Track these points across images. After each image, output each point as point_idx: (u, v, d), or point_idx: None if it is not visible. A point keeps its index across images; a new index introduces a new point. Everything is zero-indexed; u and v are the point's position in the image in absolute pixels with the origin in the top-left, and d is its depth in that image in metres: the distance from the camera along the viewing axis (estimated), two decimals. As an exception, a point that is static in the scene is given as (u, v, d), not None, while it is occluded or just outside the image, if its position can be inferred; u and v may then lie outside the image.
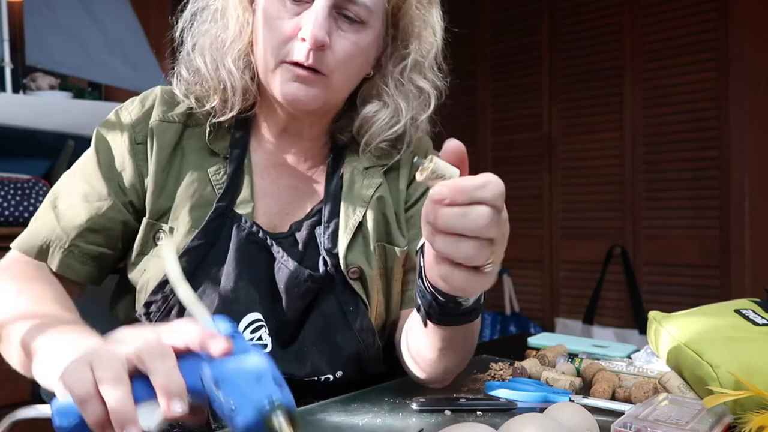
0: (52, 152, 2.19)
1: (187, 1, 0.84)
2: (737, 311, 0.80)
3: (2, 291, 0.75)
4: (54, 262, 0.79)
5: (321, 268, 0.80)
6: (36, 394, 1.11)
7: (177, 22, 0.84)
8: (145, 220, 0.81)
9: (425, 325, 0.68)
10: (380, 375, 0.88)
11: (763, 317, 0.77)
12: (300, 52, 0.75)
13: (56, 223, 0.79)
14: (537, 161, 3.17)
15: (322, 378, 0.80)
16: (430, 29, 0.85)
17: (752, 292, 2.44)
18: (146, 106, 0.83)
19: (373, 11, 0.77)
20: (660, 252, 2.78)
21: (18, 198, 1.89)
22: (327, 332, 0.80)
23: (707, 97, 2.64)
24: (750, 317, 0.78)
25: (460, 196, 0.50)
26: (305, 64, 0.75)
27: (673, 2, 2.72)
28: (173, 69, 0.84)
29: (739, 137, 2.56)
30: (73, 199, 0.80)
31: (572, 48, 3.05)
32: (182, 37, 0.84)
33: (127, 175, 0.80)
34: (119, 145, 0.81)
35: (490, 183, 0.50)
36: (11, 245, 0.81)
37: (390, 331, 0.88)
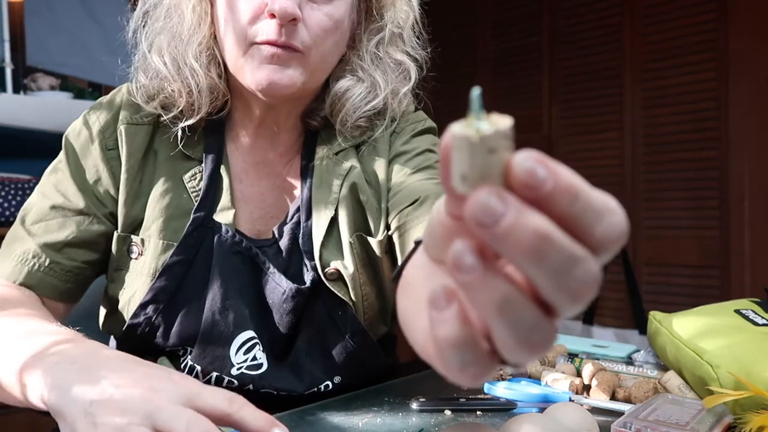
0: (52, 152, 2.18)
1: (137, 1, 0.77)
2: (737, 311, 0.80)
3: None
4: (33, 281, 0.72)
5: (306, 276, 0.76)
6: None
7: (128, 23, 0.78)
8: (116, 234, 0.76)
9: None
10: (381, 372, 0.86)
11: (763, 317, 0.77)
12: (270, 29, 0.68)
13: (31, 240, 0.73)
14: (537, 161, 3.17)
15: (321, 387, 0.78)
16: None
17: (752, 292, 2.44)
18: (114, 108, 0.77)
19: None
20: (660, 252, 2.78)
21: (18, 198, 1.89)
22: (319, 341, 0.77)
23: (707, 98, 2.64)
24: (750, 317, 0.78)
25: (568, 195, 0.25)
26: (278, 43, 0.68)
27: (673, 2, 2.72)
28: (130, 76, 0.78)
29: (739, 137, 2.56)
30: (48, 214, 0.74)
31: (572, 48, 3.05)
32: (135, 39, 0.77)
33: (103, 185, 0.75)
34: (90, 153, 0.76)
35: (617, 213, 0.26)
36: None
37: (393, 314, 0.84)
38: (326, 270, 0.76)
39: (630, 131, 2.85)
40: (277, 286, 0.75)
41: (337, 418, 0.68)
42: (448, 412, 0.69)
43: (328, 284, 0.76)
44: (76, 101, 2.27)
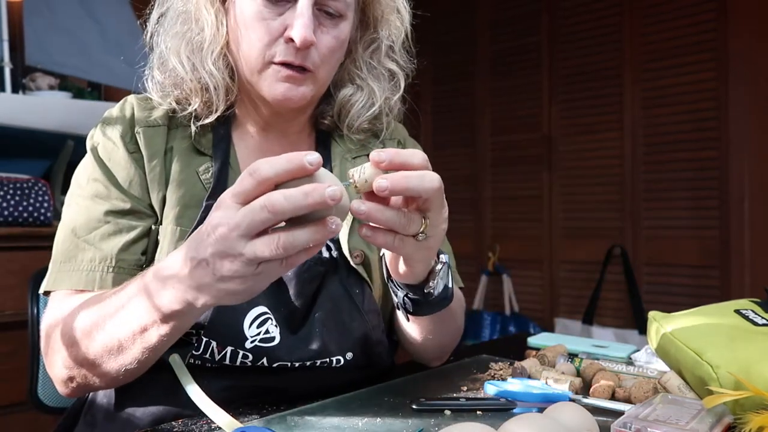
0: (51, 152, 2.19)
1: (154, 4, 0.84)
2: (737, 311, 0.80)
3: (84, 317, 0.70)
4: (107, 283, 0.76)
5: (325, 253, 0.82)
6: (34, 395, 1.11)
7: (146, 25, 0.84)
8: (152, 226, 0.81)
9: (407, 319, 0.78)
10: (387, 366, 0.88)
11: (763, 317, 0.77)
12: (288, 52, 0.77)
13: (92, 249, 0.77)
14: (537, 161, 3.17)
15: (333, 360, 0.80)
16: (397, 14, 0.88)
17: (752, 292, 2.44)
18: (127, 115, 0.83)
19: (350, 3, 0.80)
20: (660, 252, 2.78)
21: (17, 198, 1.89)
22: (335, 314, 0.81)
23: (707, 97, 2.64)
24: (750, 317, 0.78)
25: (397, 157, 0.57)
26: (294, 64, 0.77)
27: (672, 2, 2.72)
28: (144, 73, 0.84)
29: (739, 137, 2.56)
30: (101, 221, 0.78)
31: (572, 48, 3.05)
32: (152, 40, 0.84)
33: (138, 184, 0.80)
34: (119, 158, 0.80)
35: (418, 154, 0.59)
36: (44, 290, 0.78)
37: (391, 317, 0.91)
38: (353, 253, 0.83)
39: (630, 131, 2.85)
40: None
41: (337, 418, 0.68)
42: (447, 412, 0.69)
43: (354, 265, 0.82)
44: (75, 101, 2.26)
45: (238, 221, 0.52)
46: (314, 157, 0.53)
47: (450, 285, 0.74)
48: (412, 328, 0.81)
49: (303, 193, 0.51)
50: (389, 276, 0.72)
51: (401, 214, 0.59)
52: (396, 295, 0.74)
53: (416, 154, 0.59)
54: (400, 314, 0.81)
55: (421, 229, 0.61)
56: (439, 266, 0.70)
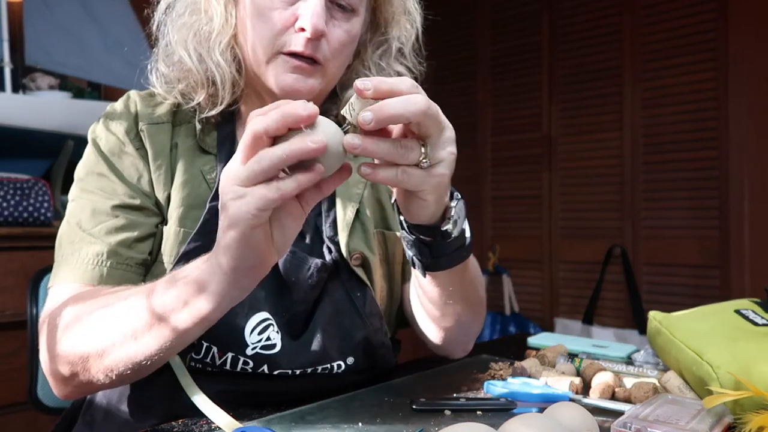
0: (51, 152, 2.19)
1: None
2: (737, 311, 0.80)
3: (82, 315, 0.68)
4: (112, 280, 0.75)
5: (327, 256, 0.81)
6: (33, 395, 1.11)
7: (152, 15, 0.82)
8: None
9: (424, 275, 0.71)
10: (389, 369, 0.88)
11: (763, 317, 0.77)
12: (298, 42, 0.75)
13: (98, 242, 0.75)
14: (537, 161, 3.17)
15: (334, 365, 0.80)
16: (408, 16, 0.87)
17: (752, 292, 2.44)
18: (131, 110, 0.81)
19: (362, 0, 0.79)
20: (659, 252, 2.78)
21: (18, 198, 1.89)
22: (336, 318, 0.80)
23: (707, 98, 2.64)
24: (750, 317, 0.78)
25: (383, 84, 0.54)
26: (305, 54, 0.76)
27: (672, 2, 2.72)
28: (148, 67, 0.83)
29: (738, 137, 2.56)
30: (109, 215, 0.77)
31: (572, 48, 3.05)
32: (158, 32, 0.82)
33: (146, 180, 0.79)
34: (126, 154, 0.79)
35: (406, 80, 0.56)
36: (50, 286, 0.76)
37: (396, 318, 0.90)
38: (352, 255, 0.81)
39: (630, 131, 2.85)
40: (301, 263, 0.78)
41: (337, 418, 0.68)
42: (448, 412, 0.69)
43: (353, 266, 0.81)
44: (75, 101, 2.27)
45: (237, 173, 0.54)
46: (309, 107, 0.52)
47: (468, 232, 0.69)
48: (429, 294, 0.77)
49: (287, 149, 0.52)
50: (402, 224, 0.68)
51: (397, 143, 0.56)
52: (411, 245, 0.69)
53: (404, 80, 0.56)
54: (417, 282, 0.78)
55: (422, 157, 0.58)
56: (453, 202, 0.66)
